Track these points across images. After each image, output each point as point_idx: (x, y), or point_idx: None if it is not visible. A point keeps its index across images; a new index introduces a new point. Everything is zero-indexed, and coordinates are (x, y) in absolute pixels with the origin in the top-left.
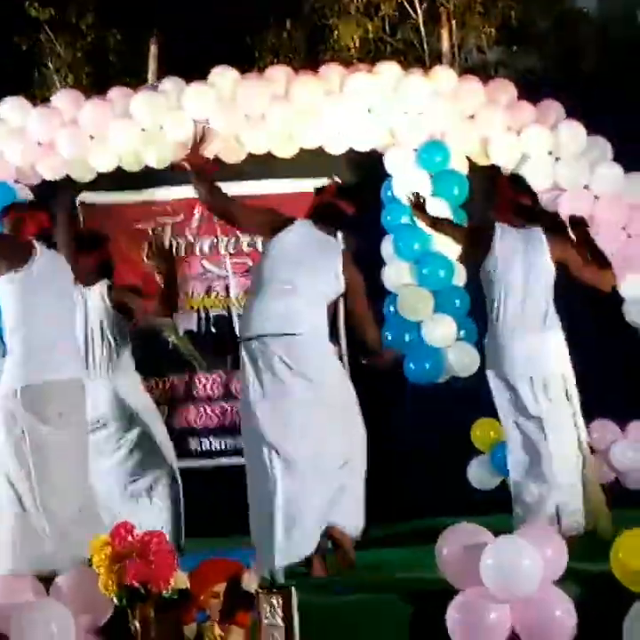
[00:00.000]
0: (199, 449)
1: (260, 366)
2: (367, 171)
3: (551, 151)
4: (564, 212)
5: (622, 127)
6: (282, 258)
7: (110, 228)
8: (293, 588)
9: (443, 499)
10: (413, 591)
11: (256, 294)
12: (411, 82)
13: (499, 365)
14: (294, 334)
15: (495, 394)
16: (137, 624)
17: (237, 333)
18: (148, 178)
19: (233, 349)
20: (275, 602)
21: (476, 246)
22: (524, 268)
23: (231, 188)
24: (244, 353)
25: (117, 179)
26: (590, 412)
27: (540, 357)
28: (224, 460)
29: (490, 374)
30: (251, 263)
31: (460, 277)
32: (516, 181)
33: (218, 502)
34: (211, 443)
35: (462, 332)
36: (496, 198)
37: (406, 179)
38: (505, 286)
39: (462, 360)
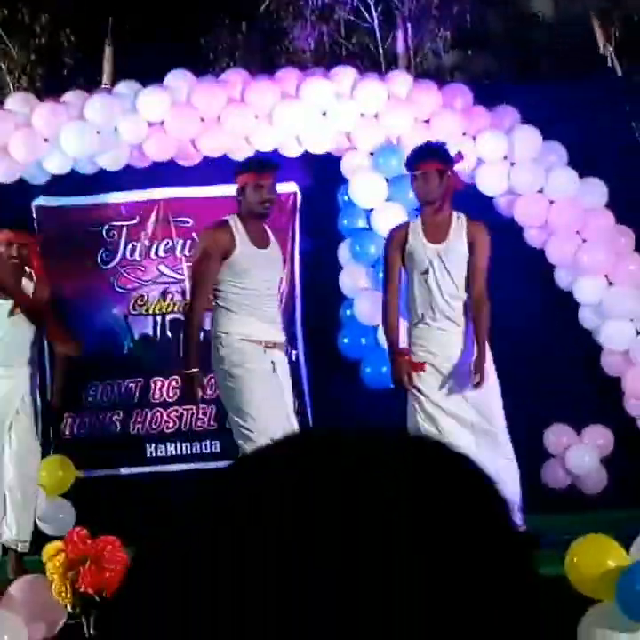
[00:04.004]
0: (155, 455)
1: None
2: (323, 174)
3: (506, 156)
4: (519, 217)
5: (577, 132)
6: None
7: (65, 232)
8: None
9: None
10: None
11: None
12: (366, 86)
13: None
14: None
15: None
16: (91, 632)
17: None
18: (103, 181)
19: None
20: None
21: None
22: None
23: (189, 192)
24: None
25: (72, 182)
26: (546, 416)
27: None
28: (181, 467)
29: None
30: None
31: None
32: None
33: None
34: (166, 448)
35: None
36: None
37: (362, 183)
38: None
39: None
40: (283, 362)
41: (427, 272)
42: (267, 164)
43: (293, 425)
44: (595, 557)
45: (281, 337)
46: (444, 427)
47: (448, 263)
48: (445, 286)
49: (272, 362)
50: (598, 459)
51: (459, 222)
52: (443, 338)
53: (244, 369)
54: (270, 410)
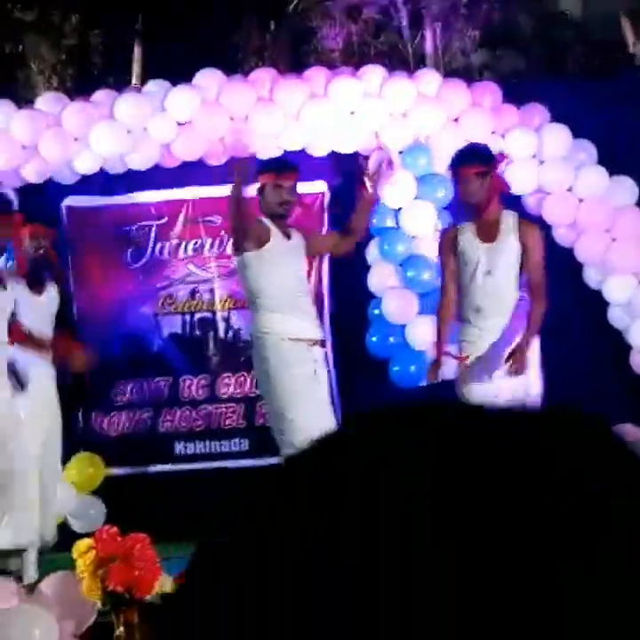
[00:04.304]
0: (184, 452)
1: None
2: (352, 174)
3: (535, 154)
4: (548, 216)
5: (607, 130)
6: None
7: (94, 231)
8: None
9: None
10: None
11: None
12: (395, 85)
13: None
14: None
15: None
16: (121, 629)
17: (222, 335)
18: (133, 180)
19: (218, 352)
20: None
21: None
22: None
23: (218, 192)
24: None
25: (101, 181)
26: None
27: None
28: (209, 465)
29: None
30: (234, 265)
31: None
32: None
33: (202, 507)
34: (195, 446)
35: None
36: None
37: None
38: None
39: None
40: (322, 360)
41: (477, 272)
42: (286, 165)
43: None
44: None
45: (321, 334)
46: None
47: (498, 262)
48: (496, 286)
49: (314, 360)
50: None
51: (509, 221)
52: (491, 336)
53: (287, 373)
54: (312, 414)
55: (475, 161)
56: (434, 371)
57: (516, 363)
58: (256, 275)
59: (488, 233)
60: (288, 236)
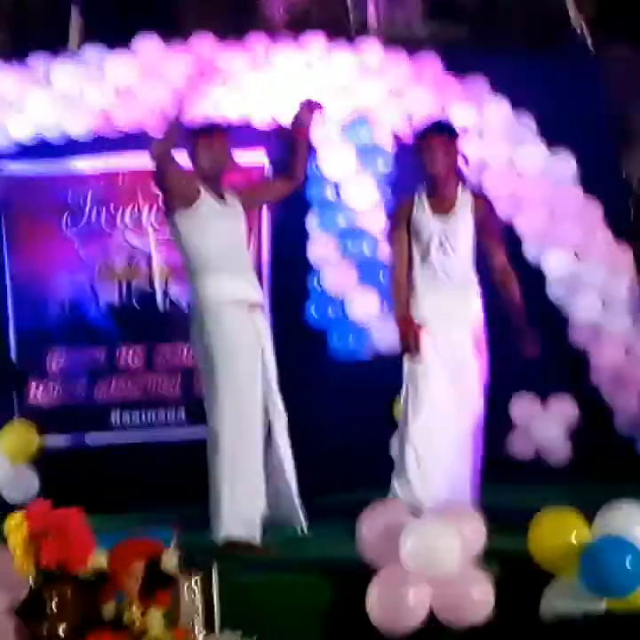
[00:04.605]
0: (119, 422)
1: None
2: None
3: (475, 127)
4: (488, 189)
5: (547, 104)
6: None
7: (29, 199)
8: (214, 568)
9: (366, 474)
10: (333, 570)
11: None
12: (336, 55)
13: None
14: None
15: None
16: (54, 604)
17: (159, 305)
18: (69, 147)
19: (154, 321)
20: (194, 581)
21: None
22: None
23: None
24: None
25: (37, 148)
26: (512, 386)
27: None
28: (145, 434)
29: None
30: None
31: (383, 251)
32: None
33: (138, 478)
34: (131, 416)
35: (386, 308)
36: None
37: (331, 153)
38: None
39: (386, 336)
40: (266, 327)
41: (431, 245)
42: (215, 126)
43: (277, 403)
44: (557, 531)
45: (261, 297)
46: (430, 384)
47: (453, 237)
48: (449, 260)
49: (256, 327)
50: (564, 429)
51: (464, 197)
52: (444, 309)
53: (225, 339)
54: (246, 382)
55: (441, 132)
56: (413, 343)
57: (529, 342)
58: (187, 235)
59: (444, 206)
60: (222, 199)
